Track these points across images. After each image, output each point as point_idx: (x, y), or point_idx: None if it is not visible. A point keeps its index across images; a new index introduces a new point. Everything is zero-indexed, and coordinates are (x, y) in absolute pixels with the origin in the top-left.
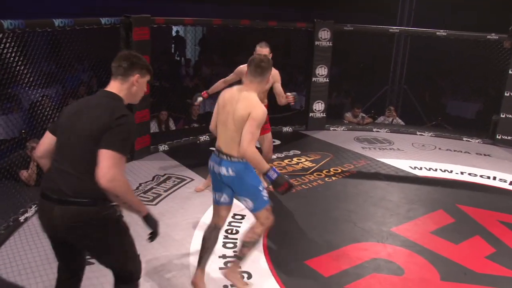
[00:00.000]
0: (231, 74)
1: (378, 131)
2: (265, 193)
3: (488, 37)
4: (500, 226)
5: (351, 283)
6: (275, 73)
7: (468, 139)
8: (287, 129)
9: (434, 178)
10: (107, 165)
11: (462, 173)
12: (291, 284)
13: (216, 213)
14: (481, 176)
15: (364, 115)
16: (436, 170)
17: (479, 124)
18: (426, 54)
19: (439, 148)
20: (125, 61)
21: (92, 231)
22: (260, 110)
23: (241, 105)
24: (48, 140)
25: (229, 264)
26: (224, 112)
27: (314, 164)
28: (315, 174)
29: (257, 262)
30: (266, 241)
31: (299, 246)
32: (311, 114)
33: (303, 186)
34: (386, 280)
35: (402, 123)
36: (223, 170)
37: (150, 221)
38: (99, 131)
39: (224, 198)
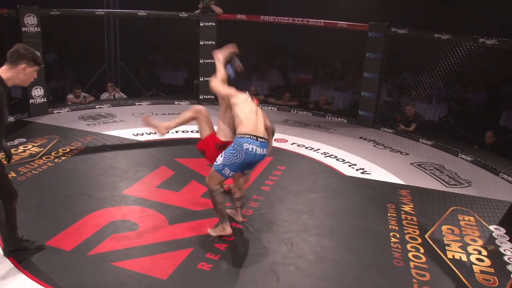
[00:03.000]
0: None
1: (101, 107)
2: None
3: (180, 15)
4: (209, 168)
5: (94, 249)
6: None
7: (179, 102)
8: (9, 119)
9: (155, 140)
10: None
11: (181, 132)
12: (37, 270)
13: None
14: (191, 131)
15: (86, 94)
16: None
17: (188, 89)
18: (139, 33)
19: (156, 114)
20: (15, 52)
21: None
22: None
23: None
24: None
25: None
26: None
27: (41, 149)
28: (44, 158)
29: None
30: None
31: (36, 231)
32: (31, 101)
33: (33, 171)
34: (124, 237)
35: (125, 96)
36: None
37: None
38: None
39: None
